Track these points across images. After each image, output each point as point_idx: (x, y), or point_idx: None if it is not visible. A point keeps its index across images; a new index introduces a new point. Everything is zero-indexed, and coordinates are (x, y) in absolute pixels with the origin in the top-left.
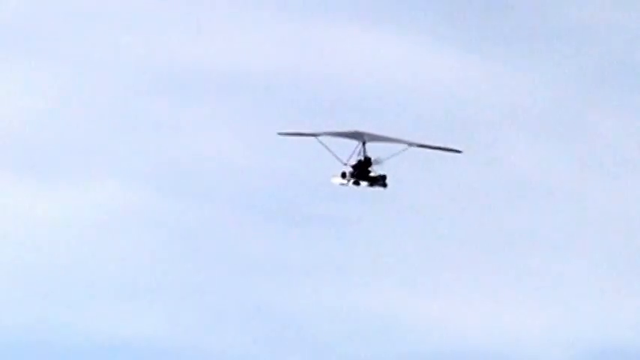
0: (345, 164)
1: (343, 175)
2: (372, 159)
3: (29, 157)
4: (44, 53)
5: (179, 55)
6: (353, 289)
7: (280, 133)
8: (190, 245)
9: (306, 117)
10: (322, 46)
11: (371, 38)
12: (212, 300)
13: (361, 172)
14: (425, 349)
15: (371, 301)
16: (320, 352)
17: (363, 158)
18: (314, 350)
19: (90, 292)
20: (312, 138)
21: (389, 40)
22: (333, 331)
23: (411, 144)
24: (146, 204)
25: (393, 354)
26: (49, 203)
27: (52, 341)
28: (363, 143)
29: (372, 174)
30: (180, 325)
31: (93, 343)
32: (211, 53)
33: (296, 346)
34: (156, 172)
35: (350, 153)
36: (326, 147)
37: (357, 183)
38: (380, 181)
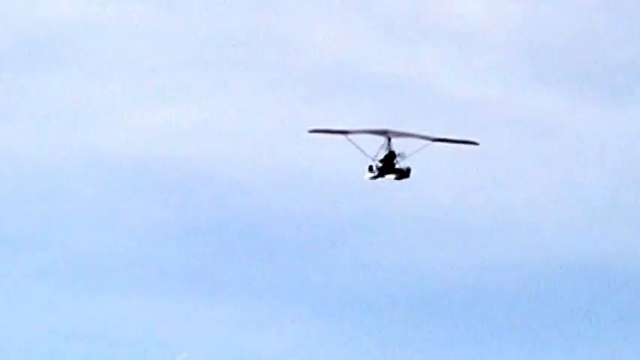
0: (374, 159)
1: (370, 169)
2: (397, 152)
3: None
4: None
5: None
6: None
7: (311, 131)
8: None
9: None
10: None
11: None
12: None
13: (387, 165)
14: None
15: None
16: None
17: (388, 152)
18: None
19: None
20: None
21: None
22: None
23: (433, 139)
24: None
25: None
26: None
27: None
28: (389, 139)
29: (397, 166)
30: None
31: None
32: None
33: None
34: None
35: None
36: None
37: (381, 175)
38: (405, 173)
